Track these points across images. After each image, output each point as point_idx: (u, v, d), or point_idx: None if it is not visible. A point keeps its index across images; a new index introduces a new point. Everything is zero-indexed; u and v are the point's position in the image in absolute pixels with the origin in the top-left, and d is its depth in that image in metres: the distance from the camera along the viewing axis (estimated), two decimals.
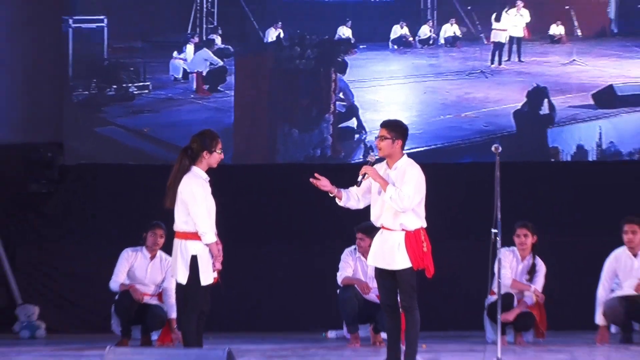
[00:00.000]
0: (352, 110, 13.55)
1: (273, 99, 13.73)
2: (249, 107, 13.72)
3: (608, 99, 13.39)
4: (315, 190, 9.00)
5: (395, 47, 13.71)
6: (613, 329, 11.16)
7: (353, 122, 13.58)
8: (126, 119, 13.63)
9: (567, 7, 13.56)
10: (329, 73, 13.57)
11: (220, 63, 13.54)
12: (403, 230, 8.36)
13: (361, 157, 13.36)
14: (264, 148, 13.63)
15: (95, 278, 12.02)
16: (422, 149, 13.14)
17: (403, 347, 8.59)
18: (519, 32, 13.56)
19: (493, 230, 8.59)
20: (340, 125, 13.60)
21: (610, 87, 13.36)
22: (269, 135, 13.70)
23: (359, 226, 10.26)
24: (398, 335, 8.65)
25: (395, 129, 8.71)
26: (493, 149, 8.74)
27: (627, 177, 13.15)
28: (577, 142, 13.41)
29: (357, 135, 13.58)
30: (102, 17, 13.47)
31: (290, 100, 13.75)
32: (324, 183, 8.60)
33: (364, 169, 8.55)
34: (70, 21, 13.44)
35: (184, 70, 13.69)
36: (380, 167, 8.68)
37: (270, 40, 13.55)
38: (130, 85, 13.63)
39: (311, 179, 8.67)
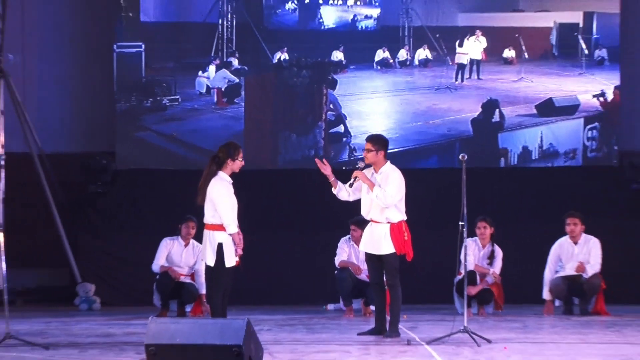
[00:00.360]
0: (340, 119, 13.58)
1: (275, 110, 13.72)
2: (256, 116, 13.69)
3: (548, 109, 13.53)
4: (317, 191, 9.33)
5: (379, 67, 13.72)
6: (557, 302, 11.33)
7: (341, 128, 13.60)
8: (159, 126, 13.62)
9: (517, 35, 13.60)
10: (321, 89, 13.58)
11: (237, 80, 13.56)
12: (388, 222, 8.81)
13: (346, 157, 13.50)
14: (268, 149, 13.58)
15: (140, 261, 11.99)
16: (397, 149, 13.06)
17: (388, 317, 9.00)
18: (478, 55, 13.61)
19: (460, 223, 8.68)
20: (330, 131, 13.61)
21: (550, 99, 13.50)
22: (272, 139, 13.63)
23: (352, 220, 10.40)
24: (384, 307, 9.08)
25: (378, 142, 9.04)
26: (460, 157, 8.82)
27: (566, 180, 13.18)
28: (523, 144, 13.55)
29: (344, 139, 13.59)
30: (140, 43, 13.53)
31: (289, 110, 13.71)
32: (327, 169, 8.90)
33: (355, 173, 8.87)
34: (115, 47, 13.42)
35: (207, 86, 13.63)
36: (369, 172, 8.91)
37: (276, 61, 13.56)
38: (163, 98, 13.60)
39: (317, 160, 9.03)
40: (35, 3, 13.82)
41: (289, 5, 13.79)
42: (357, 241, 10.11)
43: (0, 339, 8.29)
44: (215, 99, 13.68)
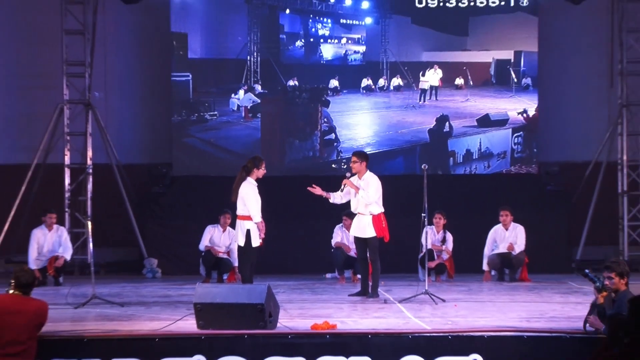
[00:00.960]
0: (331, 129, 13.54)
1: (283, 122, 13.74)
2: (270, 127, 13.71)
3: (485, 122, 13.55)
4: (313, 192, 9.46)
5: (364, 91, 13.65)
6: (493, 272, 11.33)
7: (332, 136, 13.56)
8: (201, 134, 13.58)
9: (464, 67, 13.55)
10: (317, 107, 13.55)
11: (259, 101, 13.56)
12: (370, 214, 8.97)
13: (335, 157, 13.55)
14: (277, 151, 13.53)
15: (190, 242, 11.82)
16: (375, 151, 13.21)
17: (370, 283, 9.14)
18: (436, 82, 13.54)
19: (422, 215, 8.94)
20: (324, 138, 13.57)
21: (487, 115, 13.52)
22: (280, 143, 13.60)
23: (344, 212, 10.37)
24: (367, 276, 9.21)
25: (361, 156, 9.19)
26: (422, 167, 9.11)
27: (500, 183, 13.31)
28: (466, 148, 13.56)
29: (335, 144, 13.55)
30: (188, 73, 13.52)
31: (293, 122, 13.74)
32: (317, 191, 9.07)
33: (345, 181, 9.00)
34: (172, 75, 13.52)
35: (237, 105, 13.60)
36: (355, 179, 9.02)
37: (289, 87, 13.60)
38: (205, 113, 13.59)
39: (308, 188, 9.13)
40: (113, 51, 13.67)
41: (298, 43, 13.77)
42: (348, 228, 10.22)
43: (88, 299, 8.56)
44: (243, 114, 13.63)
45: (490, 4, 13.42)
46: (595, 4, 13.21)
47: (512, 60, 13.66)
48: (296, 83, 13.61)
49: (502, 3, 13.40)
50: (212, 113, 13.61)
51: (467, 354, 6.36)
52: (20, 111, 13.65)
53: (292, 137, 13.67)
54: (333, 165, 13.28)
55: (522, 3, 13.37)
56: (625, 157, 12.98)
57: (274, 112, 13.76)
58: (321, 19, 13.80)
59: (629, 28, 12.92)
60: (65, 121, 12.95)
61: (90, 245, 9.38)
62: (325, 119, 13.63)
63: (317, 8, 13.69)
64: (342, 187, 9.06)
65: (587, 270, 6.29)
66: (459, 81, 13.63)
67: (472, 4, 13.43)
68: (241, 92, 13.61)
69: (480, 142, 13.58)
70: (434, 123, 13.55)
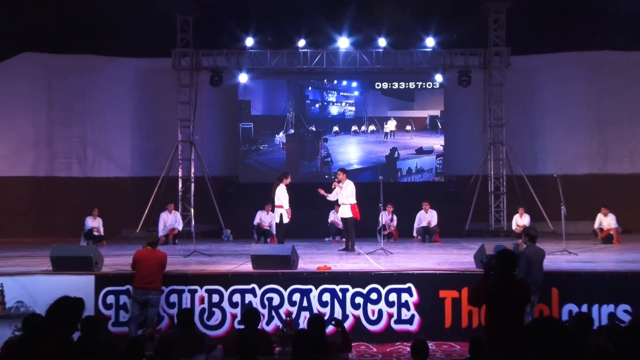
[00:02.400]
0: (328, 155, 13.24)
1: (297, 150, 13.31)
2: (291, 153, 13.28)
3: (420, 151, 13.26)
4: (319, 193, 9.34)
5: (353, 133, 13.31)
6: (419, 238, 11.09)
7: (329, 158, 13.25)
8: (256, 158, 13.24)
9: (410, 119, 13.21)
10: (319, 141, 13.27)
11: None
12: (349, 204, 8.68)
13: (330, 171, 12.95)
14: (295, 168, 12.88)
15: (249, 220, 11.19)
16: (356, 167, 12.97)
17: (350, 244, 8.88)
18: (394, 128, 13.29)
19: (380, 205, 8.86)
20: (324, 160, 13.27)
21: (421, 147, 13.22)
22: (296, 163, 13.18)
23: (335, 202, 9.38)
24: (348, 240, 8.95)
25: (343, 170, 8.89)
26: (380, 178, 8.86)
27: (425, 188, 12.96)
28: (408, 166, 13.26)
29: (330, 164, 13.19)
30: (251, 123, 13.18)
31: (303, 150, 13.34)
32: (321, 192, 8.81)
33: (334, 184, 8.79)
34: (240, 124, 13.20)
35: (279, 140, 13.27)
36: (339, 185, 8.73)
37: (310, 130, 13.33)
38: (259, 145, 13.30)
39: (317, 190, 8.93)
40: (206, 112, 13.45)
41: (316, 105, 13.45)
42: (336, 212, 9.89)
43: (191, 252, 8.49)
44: (281, 146, 13.34)
45: (423, 86, 13.44)
46: (476, 87, 13.21)
47: (438, 115, 13.40)
48: (313, 128, 13.38)
49: (429, 86, 13.39)
50: (263, 145, 13.41)
51: (404, 283, 6.36)
52: (155, 146, 13.55)
53: (303, 159, 13.41)
54: (326, 176, 13.01)
55: (436, 86, 13.40)
56: (492, 173, 13.16)
57: (294, 146, 13.42)
58: (329, 92, 13.62)
59: (493, 100, 13.13)
60: (178, 152, 13.01)
61: (192, 221, 9.39)
62: (324, 150, 13.38)
63: (327, 86, 13.54)
64: (333, 188, 8.90)
65: (484, 260, 6.09)
66: (408, 127, 13.44)
67: (414, 85, 13.41)
68: (281, 133, 13.43)
69: (416, 163, 13.46)
70: (389, 152, 13.43)
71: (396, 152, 13.41)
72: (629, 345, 2.41)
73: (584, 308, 6.09)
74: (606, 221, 10.37)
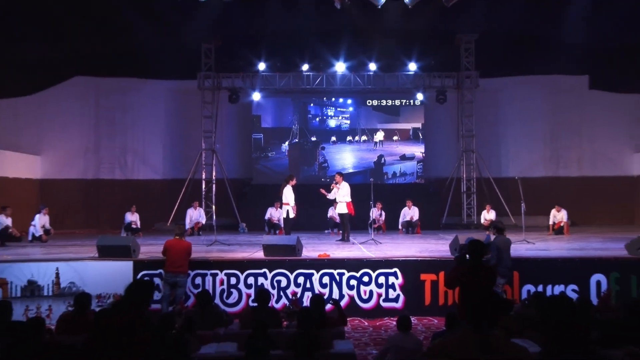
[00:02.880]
0: (326, 160, 13.03)
1: (300, 157, 13.07)
2: (293, 160, 13.02)
3: (404, 158, 13.08)
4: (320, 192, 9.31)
5: (348, 142, 13.11)
6: (404, 230, 10.95)
7: (325, 163, 13.05)
8: (265, 163, 13.05)
9: (396, 130, 13.05)
10: (318, 150, 13.08)
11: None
12: (345, 201, 8.63)
13: (327, 174, 12.73)
14: (296, 171, 12.22)
15: (261, 215, 11.02)
16: (350, 171, 12.73)
17: (346, 235, 8.79)
18: (382, 138, 13.11)
19: (371, 202, 8.79)
20: (322, 165, 13.05)
21: (404, 154, 13.06)
22: (298, 167, 12.86)
23: (334, 200, 9.21)
24: (344, 232, 8.85)
25: (340, 174, 8.87)
26: (370, 180, 8.99)
27: (409, 189, 12.69)
28: (393, 170, 13.07)
29: (327, 168, 13.01)
30: (261, 134, 12.85)
31: (304, 157, 13.08)
32: (323, 192, 8.78)
33: (333, 185, 8.74)
34: (253, 135, 13.01)
35: (284, 148, 13.07)
36: (337, 185, 8.68)
37: (312, 140, 13.10)
38: (268, 153, 13.01)
39: (319, 190, 8.89)
40: (225, 125, 13.27)
41: (317, 119, 13.23)
42: (334, 209, 9.75)
43: (212, 242, 8.44)
44: (287, 154, 13.13)
45: (407, 103, 13.29)
46: (451, 104, 13.05)
47: (420, 127, 13.26)
48: (314, 138, 13.21)
49: (410, 102, 13.26)
50: (272, 153, 13.23)
51: (391, 267, 6.30)
52: (183, 153, 13.32)
53: (304, 165, 13.20)
54: (322, 179, 12.88)
55: (418, 103, 13.28)
56: (464, 175, 13.02)
57: (295, 153, 13.24)
58: (328, 107, 13.38)
59: (465, 115, 12.91)
60: (202, 158, 12.79)
61: (214, 216, 9.60)
62: (322, 156, 13.21)
63: (326, 102, 13.29)
64: (331, 188, 8.83)
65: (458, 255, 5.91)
66: (395, 137, 13.26)
67: (399, 102, 13.25)
68: (287, 142, 13.27)
69: (400, 168, 13.26)
70: (376, 158, 13.26)
71: (383, 159, 13.27)
72: (551, 309, 2.34)
73: (540, 288, 6.11)
74: (559, 216, 10.51)
